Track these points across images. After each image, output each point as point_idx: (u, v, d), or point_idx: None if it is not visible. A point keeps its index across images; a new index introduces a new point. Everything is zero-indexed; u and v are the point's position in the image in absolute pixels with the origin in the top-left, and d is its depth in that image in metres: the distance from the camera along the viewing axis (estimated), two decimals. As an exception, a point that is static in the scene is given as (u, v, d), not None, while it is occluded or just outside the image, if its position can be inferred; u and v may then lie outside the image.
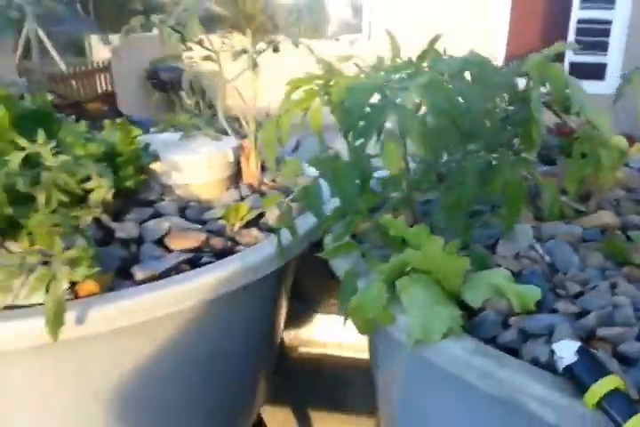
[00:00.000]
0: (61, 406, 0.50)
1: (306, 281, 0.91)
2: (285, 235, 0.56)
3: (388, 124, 0.45)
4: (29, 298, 0.45)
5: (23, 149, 0.50)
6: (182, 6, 0.66)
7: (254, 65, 0.72)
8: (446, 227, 0.49)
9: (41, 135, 0.49)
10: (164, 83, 4.03)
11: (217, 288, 0.50)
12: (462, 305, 0.43)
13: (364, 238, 0.54)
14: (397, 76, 0.46)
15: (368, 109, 0.42)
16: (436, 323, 0.40)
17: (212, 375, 0.59)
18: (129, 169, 0.61)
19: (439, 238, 0.41)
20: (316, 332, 0.95)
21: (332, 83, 0.53)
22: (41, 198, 0.48)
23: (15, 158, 0.49)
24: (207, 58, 0.76)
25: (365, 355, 0.66)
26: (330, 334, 0.94)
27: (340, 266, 0.51)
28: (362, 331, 0.46)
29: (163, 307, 0.47)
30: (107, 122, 0.66)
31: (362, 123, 0.43)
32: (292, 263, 0.68)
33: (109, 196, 0.55)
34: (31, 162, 0.51)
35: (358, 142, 0.45)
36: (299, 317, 0.94)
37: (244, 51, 0.72)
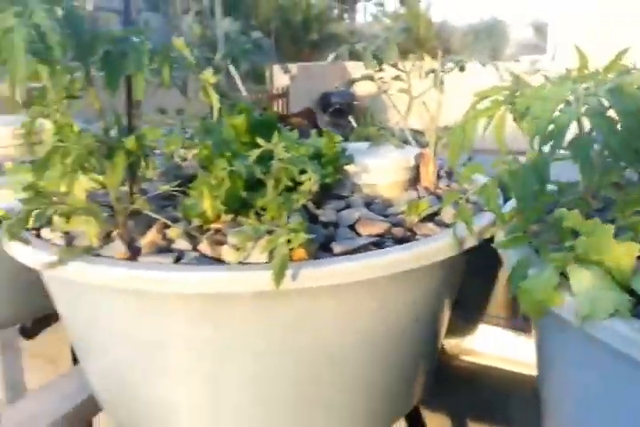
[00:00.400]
0: (265, 349, 0.62)
1: (471, 291, 0.97)
2: (460, 229, 0.64)
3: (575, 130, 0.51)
4: (257, 258, 0.58)
5: (259, 147, 0.65)
6: (383, 37, 0.79)
7: (440, 83, 0.82)
8: (620, 226, 0.53)
9: (275, 137, 0.64)
10: (333, 106, 4.32)
11: (399, 266, 0.60)
12: (630, 295, 0.47)
13: (537, 236, 0.60)
14: (584, 85, 0.52)
15: (557, 114, 0.49)
16: (604, 303, 0.44)
17: (378, 351, 0.68)
18: (329, 168, 0.74)
19: (610, 226, 0.46)
20: (478, 342, 0.99)
21: (517, 94, 0.60)
22: (270, 184, 0.62)
23: (254, 154, 0.63)
24: (397, 78, 0.87)
25: (527, 371, 0.69)
26: (491, 346, 0.98)
27: (512, 257, 0.57)
28: (531, 313, 0.52)
29: (355, 274, 0.58)
30: (313, 131, 0.80)
31: (551, 127, 0.49)
32: (462, 262, 0.75)
33: (315, 187, 0.67)
34: (262, 158, 0.66)
35: (545, 146, 0.51)
36: (461, 325, 1.00)
37: (432, 70, 0.82)
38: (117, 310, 0.64)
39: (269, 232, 0.59)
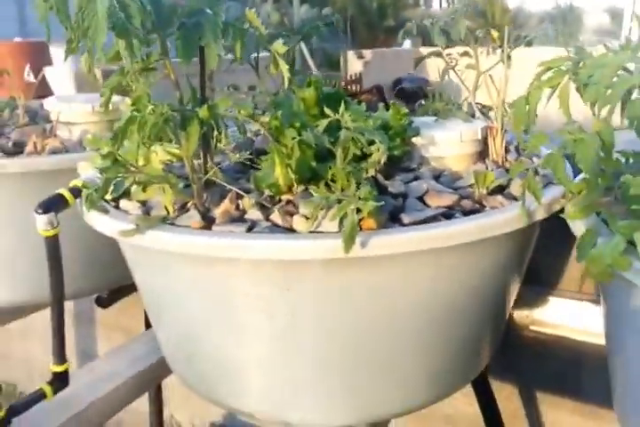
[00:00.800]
0: (330, 313, 0.64)
1: (543, 266, 0.95)
2: (529, 201, 0.63)
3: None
4: (328, 227, 0.60)
5: (327, 117, 0.66)
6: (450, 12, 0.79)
7: (508, 58, 0.80)
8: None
9: (342, 108, 0.65)
10: (406, 92, 4.25)
11: (464, 237, 0.60)
12: None
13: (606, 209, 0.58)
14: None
15: (614, 80, 0.48)
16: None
17: (443, 321, 0.68)
18: (397, 140, 0.74)
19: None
20: (549, 313, 0.98)
21: (581, 64, 0.59)
22: (338, 153, 0.63)
23: (322, 123, 0.65)
24: (465, 53, 0.86)
25: (598, 341, 0.68)
26: (562, 317, 0.96)
27: (581, 227, 0.56)
28: (600, 278, 0.51)
29: (422, 244, 0.59)
30: (380, 105, 0.81)
31: (608, 91, 0.48)
32: (532, 234, 0.74)
33: (384, 158, 0.68)
34: (331, 128, 0.67)
35: (604, 110, 0.50)
36: (532, 298, 0.98)
37: (500, 46, 0.81)
38: (191, 276, 0.67)
39: (339, 201, 0.60)
